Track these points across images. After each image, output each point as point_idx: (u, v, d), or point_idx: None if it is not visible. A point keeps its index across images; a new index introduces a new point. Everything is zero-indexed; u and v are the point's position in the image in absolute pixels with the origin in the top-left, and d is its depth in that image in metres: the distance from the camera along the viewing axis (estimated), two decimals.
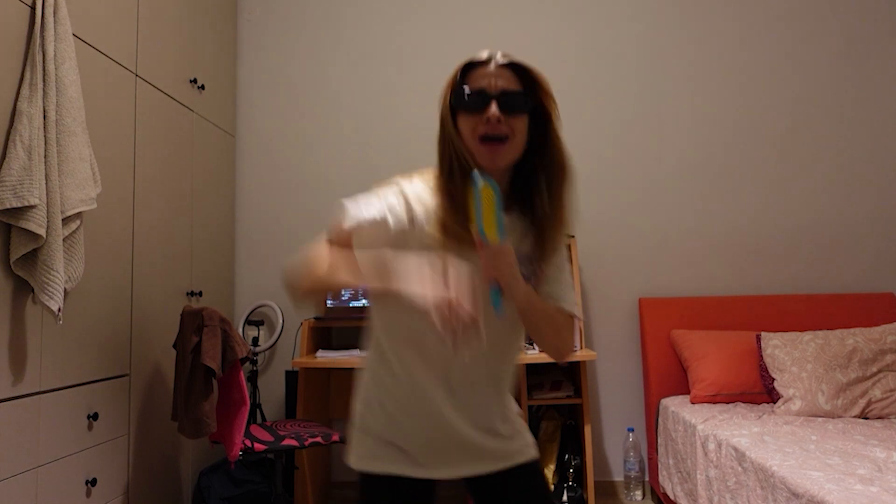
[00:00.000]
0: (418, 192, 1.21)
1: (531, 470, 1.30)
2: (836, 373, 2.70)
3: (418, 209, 1.19)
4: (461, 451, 1.24)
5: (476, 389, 1.23)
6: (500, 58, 1.18)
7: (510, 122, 1.14)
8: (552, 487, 2.98)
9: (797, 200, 3.42)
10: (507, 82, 1.16)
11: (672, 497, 2.78)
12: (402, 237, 1.17)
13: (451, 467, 1.25)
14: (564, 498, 2.96)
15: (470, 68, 1.19)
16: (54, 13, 1.96)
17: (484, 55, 1.19)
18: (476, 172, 1.06)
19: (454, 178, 1.18)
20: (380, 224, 1.18)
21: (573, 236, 3.22)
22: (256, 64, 3.62)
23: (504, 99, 1.14)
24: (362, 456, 1.25)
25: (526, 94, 1.17)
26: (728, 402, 2.88)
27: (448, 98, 1.20)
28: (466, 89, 1.16)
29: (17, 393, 1.86)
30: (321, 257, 1.15)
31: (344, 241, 1.19)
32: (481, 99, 1.14)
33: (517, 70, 1.18)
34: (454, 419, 1.21)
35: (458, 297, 0.98)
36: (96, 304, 2.23)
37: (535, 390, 3.06)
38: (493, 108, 1.13)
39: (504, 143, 1.15)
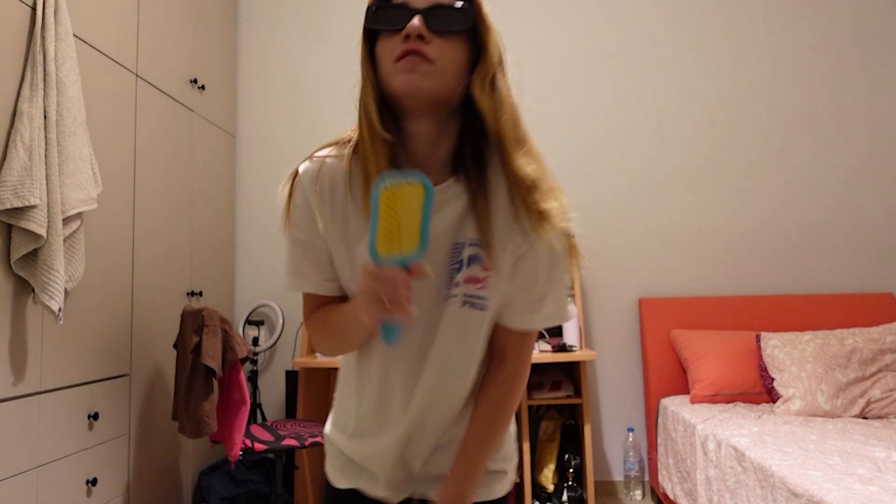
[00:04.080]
0: (332, 174, 0.98)
1: None
2: (836, 373, 2.70)
3: (336, 199, 0.97)
4: (414, 475, 1.07)
5: (434, 415, 1.03)
6: None
7: (438, 43, 0.87)
8: (552, 488, 2.98)
9: (797, 201, 3.42)
10: None
11: (672, 497, 2.78)
12: (346, 242, 0.98)
13: (403, 488, 1.08)
14: (564, 498, 2.96)
15: None
16: (55, 13, 1.96)
17: None
18: (379, 180, 0.80)
19: (375, 128, 0.91)
20: (326, 264, 1.00)
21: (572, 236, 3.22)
22: (256, 64, 3.62)
23: (432, 13, 0.88)
24: (329, 467, 1.13)
25: (463, 9, 0.89)
26: (728, 402, 2.88)
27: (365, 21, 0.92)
28: (383, 4, 0.90)
29: (17, 393, 1.86)
30: (320, 332, 1.02)
31: (321, 302, 1.03)
32: (401, 13, 0.88)
33: None
34: (407, 442, 1.04)
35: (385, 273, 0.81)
36: (96, 304, 2.23)
37: (535, 390, 3.06)
38: (416, 21, 0.86)
39: (425, 61, 0.87)
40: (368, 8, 0.92)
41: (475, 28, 0.91)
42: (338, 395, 1.13)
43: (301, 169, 1.01)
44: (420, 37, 0.86)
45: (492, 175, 0.95)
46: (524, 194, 0.92)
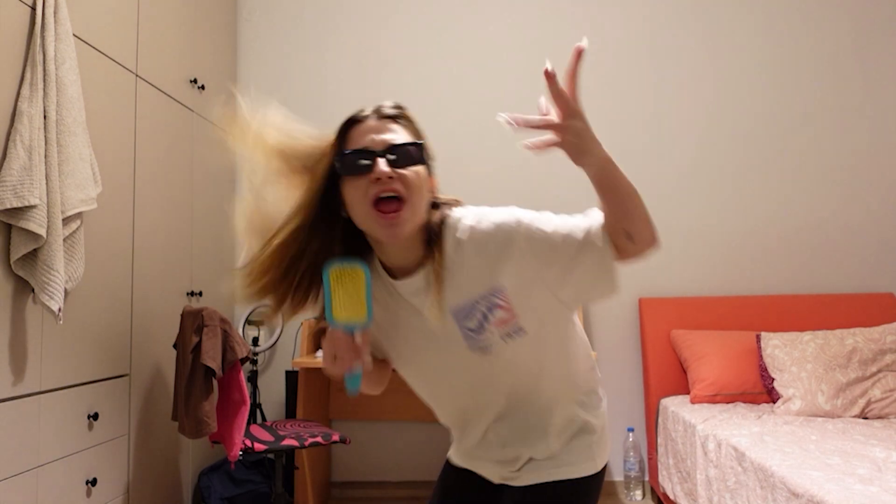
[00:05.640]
0: None
1: (562, 490, 1.20)
2: (836, 373, 2.70)
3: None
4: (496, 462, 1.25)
5: (501, 420, 1.21)
6: (386, 108, 1.06)
7: (404, 178, 1.00)
8: None
9: (797, 201, 3.42)
10: (395, 135, 1.03)
11: (672, 497, 2.78)
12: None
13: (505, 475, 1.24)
14: None
15: (350, 128, 1.07)
16: (54, 13, 1.96)
17: (365, 111, 1.07)
18: (329, 263, 1.01)
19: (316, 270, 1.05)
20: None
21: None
22: (256, 64, 3.62)
23: (393, 152, 1.01)
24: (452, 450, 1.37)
25: (419, 144, 1.04)
26: (728, 402, 2.88)
27: (326, 168, 1.05)
28: (347, 150, 1.03)
29: (17, 393, 1.86)
30: None
31: None
32: (364, 157, 1.01)
33: (403, 120, 1.07)
34: (480, 454, 1.26)
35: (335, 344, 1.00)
36: (96, 304, 2.23)
37: None
38: (382, 165, 0.99)
39: (402, 205, 1.00)
40: (335, 157, 1.04)
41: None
42: None
43: None
44: (390, 177, 0.99)
45: (448, 248, 1.09)
46: (483, 242, 1.07)
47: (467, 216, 1.10)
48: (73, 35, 2.07)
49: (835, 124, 3.44)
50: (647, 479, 3.30)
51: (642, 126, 3.48)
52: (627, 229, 1.03)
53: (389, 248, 1.08)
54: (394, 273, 1.11)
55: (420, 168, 1.03)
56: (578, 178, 3.74)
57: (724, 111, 3.47)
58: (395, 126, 1.05)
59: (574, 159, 0.98)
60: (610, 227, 1.04)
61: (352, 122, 1.07)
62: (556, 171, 3.46)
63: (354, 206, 1.02)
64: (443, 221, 1.10)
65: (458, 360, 1.11)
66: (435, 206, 1.10)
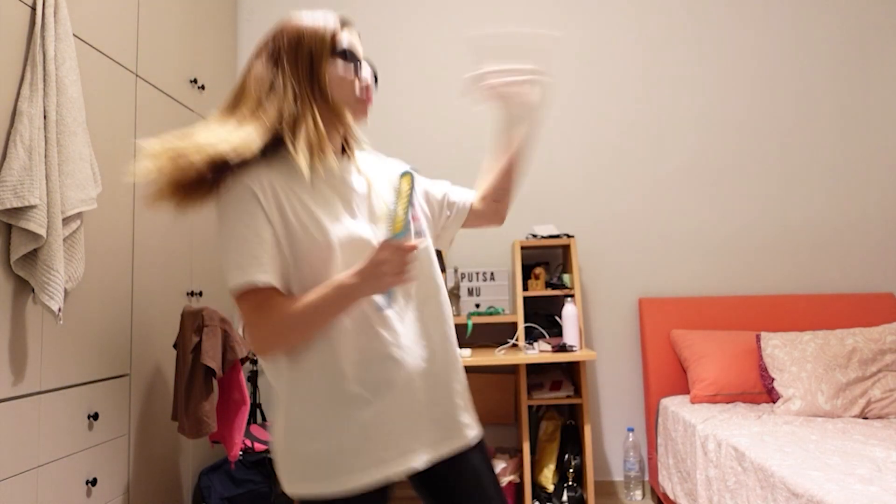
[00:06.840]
0: (270, 177, 1.07)
1: (480, 452, 1.21)
2: (836, 373, 2.70)
3: (287, 196, 1.07)
4: (421, 415, 1.11)
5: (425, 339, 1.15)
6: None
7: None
8: (552, 488, 2.98)
9: (797, 201, 3.42)
10: None
11: (672, 497, 2.78)
12: (305, 237, 1.06)
13: (411, 448, 1.09)
14: (564, 498, 2.96)
15: (343, 26, 1.19)
16: (55, 13, 1.96)
17: (347, 20, 1.21)
18: (403, 171, 1.00)
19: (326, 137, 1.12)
20: (284, 254, 1.06)
21: (572, 236, 3.22)
22: None
23: (375, 74, 1.24)
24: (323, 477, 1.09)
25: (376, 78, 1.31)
26: (728, 402, 2.88)
27: (329, 44, 1.14)
28: (347, 44, 1.17)
29: (17, 393, 1.86)
30: (301, 321, 1.02)
31: (272, 297, 1.04)
32: (360, 61, 1.19)
33: None
34: (408, 357, 1.10)
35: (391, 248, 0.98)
36: (96, 304, 2.23)
37: (535, 390, 3.06)
38: (372, 80, 1.21)
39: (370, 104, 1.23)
40: (333, 38, 1.15)
41: None
42: (302, 400, 1.08)
43: (245, 179, 1.07)
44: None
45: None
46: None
47: None
48: (73, 35, 2.07)
49: (834, 124, 3.44)
50: (646, 478, 3.30)
51: (641, 126, 3.48)
52: (511, 190, 1.33)
53: (336, 130, 1.18)
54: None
55: None
56: (588, 180, 3.68)
57: (723, 111, 3.47)
58: None
59: (523, 112, 1.26)
60: (493, 190, 1.33)
61: (344, 23, 1.19)
62: (564, 172, 3.46)
63: (344, 85, 1.15)
64: None
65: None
66: None
